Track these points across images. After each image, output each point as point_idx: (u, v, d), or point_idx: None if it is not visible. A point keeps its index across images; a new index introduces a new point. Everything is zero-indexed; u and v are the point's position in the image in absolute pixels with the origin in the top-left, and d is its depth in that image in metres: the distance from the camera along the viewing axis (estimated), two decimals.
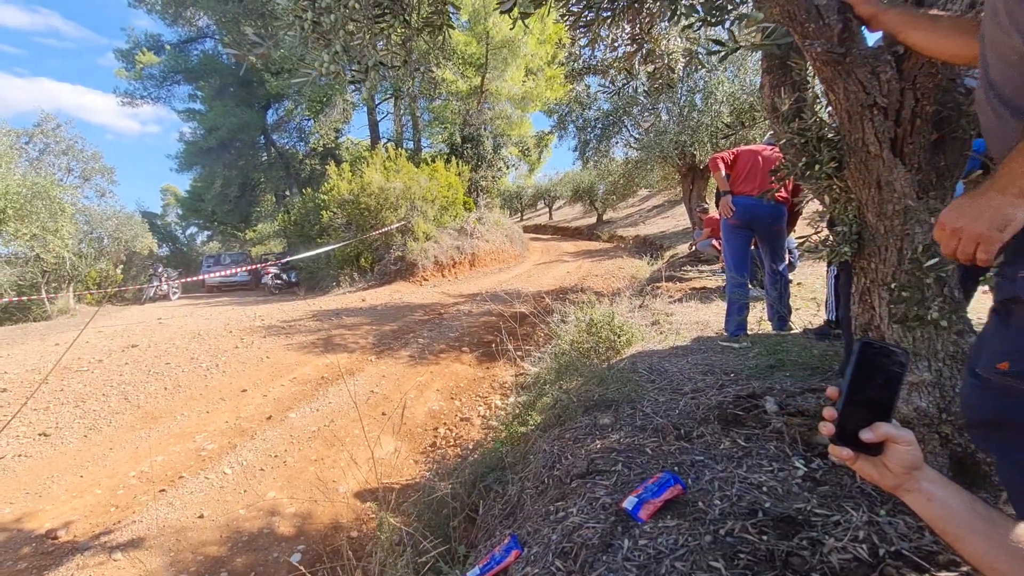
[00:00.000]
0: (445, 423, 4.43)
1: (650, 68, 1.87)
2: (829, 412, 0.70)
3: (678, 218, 18.27)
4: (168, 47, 23.31)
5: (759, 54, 1.86)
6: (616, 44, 1.98)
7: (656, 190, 19.03)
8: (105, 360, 5.77)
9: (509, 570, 1.61)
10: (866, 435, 0.66)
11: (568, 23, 1.85)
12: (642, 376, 2.82)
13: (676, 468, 1.77)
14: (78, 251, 12.47)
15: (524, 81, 17.24)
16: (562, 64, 16.14)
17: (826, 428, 0.69)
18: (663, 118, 7.55)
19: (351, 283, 12.40)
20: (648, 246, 13.56)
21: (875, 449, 0.67)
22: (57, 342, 7.17)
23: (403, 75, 1.55)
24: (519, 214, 31.06)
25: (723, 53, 1.13)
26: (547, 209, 30.63)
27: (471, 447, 3.94)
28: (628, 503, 1.59)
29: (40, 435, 3.83)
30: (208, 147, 22.18)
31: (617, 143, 9.04)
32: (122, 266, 15.24)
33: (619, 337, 3.76)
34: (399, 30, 1.48)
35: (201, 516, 2.92)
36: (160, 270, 16.35)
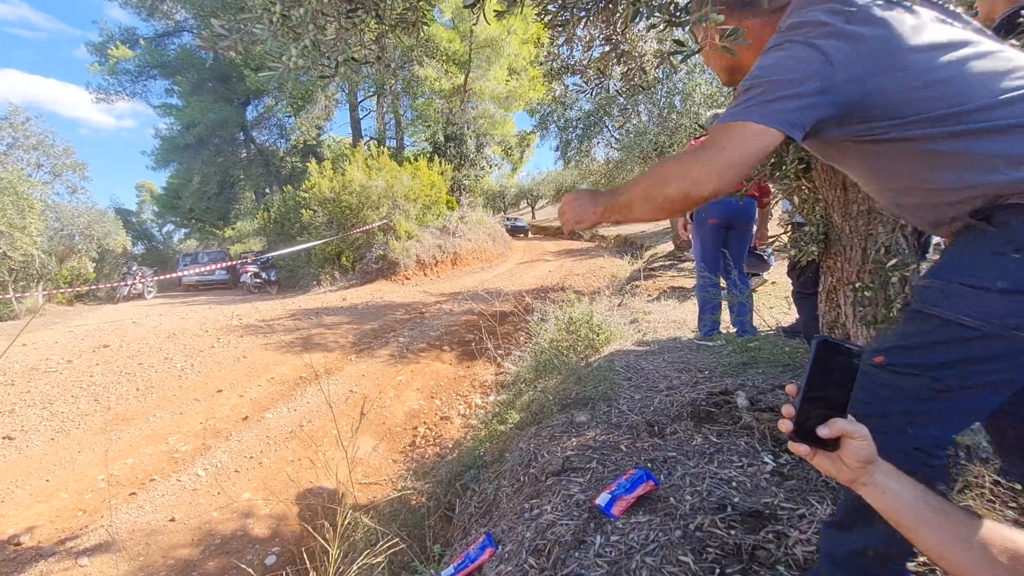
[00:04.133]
0: (425, 422, 4.42)
1: (624, 69, 1.89)
2: (788, 409, 0.71)
3: None
4: (143, 41, 22.74)
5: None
6: (592, 44, 1.99)
7: None
8: (75, 361, 5.62)
9: (483, 568, 1.61)
10: (822, 431, 0.67)
11: (544, 22, 1.85)
12: (619, 374, 2.85)
13: (649, 464, 1.79)
14: (48, 249, 12.08)
15: (507, 80, 17.25)
16: (541, 64, 16.16)
17: (785, 425, 0.71)
18: (643, 119, 7.62)
19: (332, 282, 12.26)
20: (628, 246, 13.68)
21: (832, 444, 0.68)
22: (24, 342, 6.94)
23: (377, 72, 1.54)
24: (502, 213, 31.07)
25: (684, 54, 1.15)
26: (530, 208, 30.72)
27: (450, 446, 3.93)
28: (601, 500, 1.60)
29: (4, 438, 3.71)
30: (186, 143, 21.69)
31: (598, 143, 9.11)
32: (95, 264, 14.81)
33: (598, 336, 3.79)
34: (372, 25, 1.47)
35: (173, 519, 2.86)
36: (135, 268, 15.94)
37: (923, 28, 0.81)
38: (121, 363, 5.55)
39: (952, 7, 0.89)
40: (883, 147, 0.85)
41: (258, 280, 14.46)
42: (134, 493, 3.12)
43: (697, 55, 1.16)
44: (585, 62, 2.91)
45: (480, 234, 15.29)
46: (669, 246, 9.47)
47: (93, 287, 13.40)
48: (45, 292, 12.57)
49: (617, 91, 2.16)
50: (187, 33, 23.92)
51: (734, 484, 1.56)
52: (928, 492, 0.67)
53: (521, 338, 5.73)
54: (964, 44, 0.80)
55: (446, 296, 10.07)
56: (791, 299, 3.11)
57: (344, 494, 3.14)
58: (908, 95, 0.80)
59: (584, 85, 2.26)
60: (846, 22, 0.81)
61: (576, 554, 1.43)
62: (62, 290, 13.41)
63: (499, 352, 4.95)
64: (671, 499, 1.56)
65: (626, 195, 1.02)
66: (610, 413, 2.30)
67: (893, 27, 0.80)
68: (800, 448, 0.69)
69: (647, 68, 1.89)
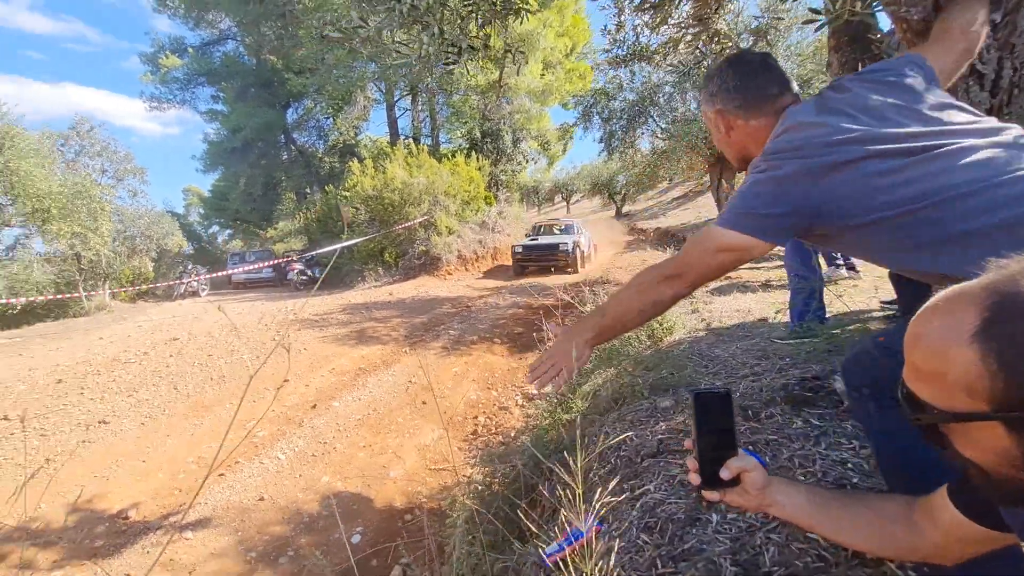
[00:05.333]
0: (484, 412, 4.48)
1: (719, 48, 1.87)
2: (691, 463, 0.79)
3: (700, 209, 18.06)
4: (191, 50, 23.73)
5: (811, 31, 1.84)
6: (682, 25, 1.98)
7: (676, 182, 18.78)
8: (150, 352, 5.95)
9: (591, 544, 1.64)
10: (724, 474, 0.76)
11: (635, 6, 1.85)
12: (693, 361, 2.83)
13: (750, 447, 1.78)
14: (113, 249, 12.81)
15: (542, 75, 17.17)
16: (584, 55, 16.00)
17: (694, 478, 0.79)
18: (691, 107, 7.44)
19: (376, 278, 12.54)
20: (670, 238, 13.44)
21: (734, 481, 0.77)
22: (101, 336, 7.40)
23: (489, 58, 1.58)
24: (536, 208, 31.02)
25: (820, 24, 1.13)
26: (564, 203, 30.55)
27: (513, 435, 3.98)
28: None
29: (100, 423, 3.98)
30: (232, 147, 22.59)
31: (643, 134, 8.96)
32: (154, 263, 15.62)
33: (660, 324, 3.76)
34: (485, 13, 1.51)
35: (262, 498, 3.02)
36: (190, 267, 16.72)
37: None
38: (192, 354, 5.85)
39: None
40: None
41: (304, 277, 14.94)
42: (223, 474, 3.30)
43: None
44: (655, 47, 2.89)
45: (518, 229, 15.33)
46: None
47: (153, 285, 14.13)
48: (111, 290, 13.34)
49: (684, 74, 2.14)
50: (231, 41, 24.85)
51: (850, 466, 1.53)
52: (814, 491, 0.81)
53: None
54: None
55: (489, 290, 10.16)
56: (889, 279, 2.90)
57: (424, 481, 3.24)
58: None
59: (672, 67, 2.24)
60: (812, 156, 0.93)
61: (693, 531, 1.44)
62: (125, 288, 14.20)
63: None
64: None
65: (615, 311, 1.14)
66: None
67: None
68: (712, 495, 0.78)
69: (741, 46, 1.87)
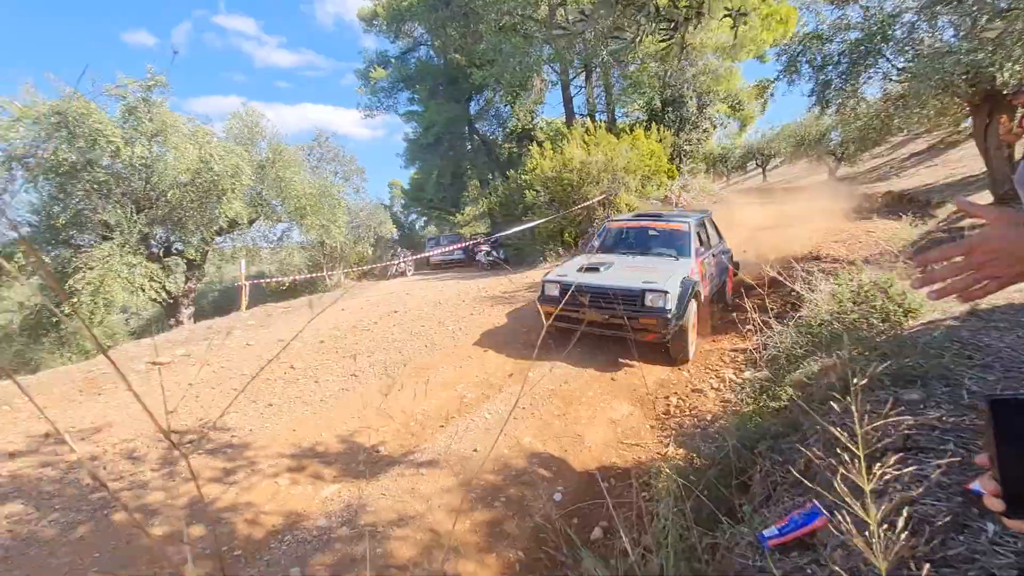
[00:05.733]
0: (676, 393, 4.39)
1: None
2: (990, 485, 0.63)
3: (952, 165, 14.39)
4: (393, 60, 27.19)
5: None
6: None
7: (915, 133, 15.19)
8: (378, 322, 7.18)
9: (817, 535, 1.53)
10: None
11: None
12: (948, 350, 2.35)
13: None
14: (346, 237, 15.72)
15: (732, 26, 15.45)
16: None
17: (993, 503, 0.63)
18: (947, 36, 5.84)
19: (556, 258, 12.98)
20: (907, 204, 11.03)
21: None
22: (343, 308, 9.15)
23: (695, 27, 1.54)
24: (724, 178, 28.32)
25: None
26: (759, 170, 27.25)
27: (709, 418, 3.84)
28: (979, 486, 1.35)
29: (351, 376, 4.98)
30: (426, 143, 25.46)
31: (871, 77, 7.36)
32: (372, 248, 18.70)
33: (899, 306, 3.19)
34: None
35: (475, 450, 3.47)
36: (400, 251, 19.57)
37: None
38: (409, 325, 6.89)
39: None
40: None
41: (490, 258, 16.27)
42: (443, 426, 3.88)
43: None
44: None
45: (705, 203, 14.28)
46: (982, 198, 7.24)
47: (373, 267, 16.93)
48: (344, 271, 16.39)
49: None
50: (423, 47, 27.78)
51: None
52: None
53: (775, 311, 5.18)
54: None
55: None
56: None
57: (618, 452, 3.34)
58: None
59: None
60: None
61: (960, 538, 1.25)
62: (353, 269, 17.30)
63: (748, 328, 4.57)
64: None
65: None
66: (955, 393, 1.92)
67: None
68: (1019, 525, 0.63)
69: None
